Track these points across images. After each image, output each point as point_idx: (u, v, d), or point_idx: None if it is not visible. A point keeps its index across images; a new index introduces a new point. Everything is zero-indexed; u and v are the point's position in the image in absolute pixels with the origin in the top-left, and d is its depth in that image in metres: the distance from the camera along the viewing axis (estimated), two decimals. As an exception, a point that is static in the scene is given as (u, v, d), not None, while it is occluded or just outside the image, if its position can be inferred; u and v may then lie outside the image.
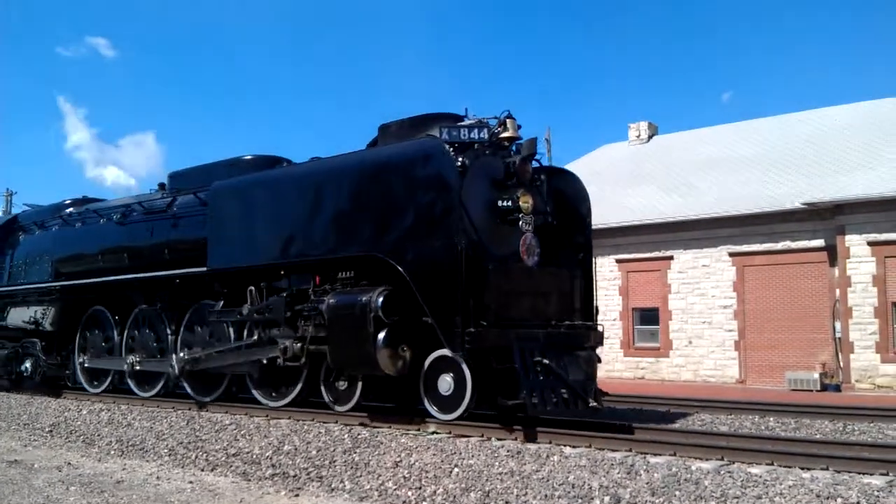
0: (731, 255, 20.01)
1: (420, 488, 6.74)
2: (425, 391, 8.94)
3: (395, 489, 6.85)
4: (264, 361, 10.26)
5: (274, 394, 10.69)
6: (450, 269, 8.23)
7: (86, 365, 13.47)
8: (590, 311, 9.71)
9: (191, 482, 7.76)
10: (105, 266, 12.97)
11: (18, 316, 14.94)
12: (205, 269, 10.93)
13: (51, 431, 11.18)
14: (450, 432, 8.49)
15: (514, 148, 9.40)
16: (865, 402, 13.75)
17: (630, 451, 7.16)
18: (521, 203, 8.99)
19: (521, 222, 9.04)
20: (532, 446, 7.46)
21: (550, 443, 7.67)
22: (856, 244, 18.08)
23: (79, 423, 11.36)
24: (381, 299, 8.75)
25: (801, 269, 19.15)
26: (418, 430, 8.72)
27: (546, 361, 8.20)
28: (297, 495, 7.10)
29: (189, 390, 11.71)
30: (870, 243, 17.94)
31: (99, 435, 10.47)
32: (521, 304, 8.90)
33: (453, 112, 9.63)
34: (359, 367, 9.10)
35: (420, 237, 8.52)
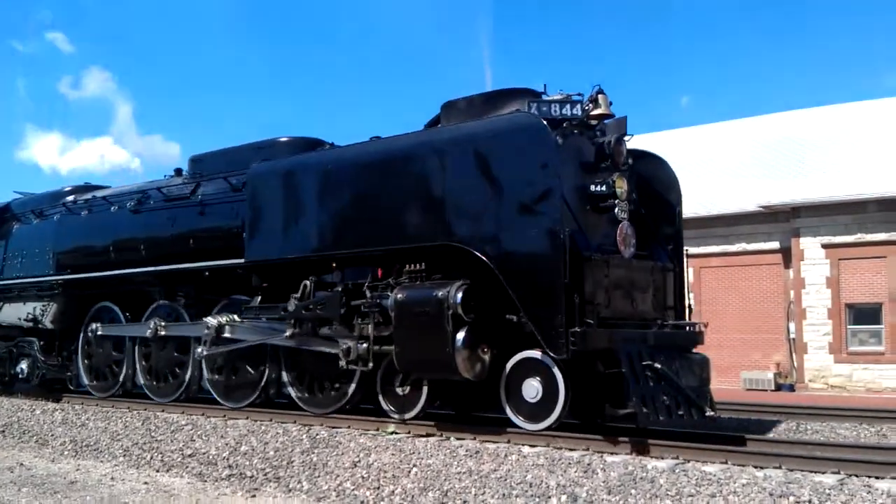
0: (688, 256, 19.27)
1: (378, 488, 6.71)
2: (507, 398, 7.97)
3: (353, 489, 6.80)
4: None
5: (307, 396, 9.64)
6: (550, 260, 7.27)
7: (98, 333, 12.14)
8: (682, 309, 8.83)
9: (146, 483, 7.67)
10: (117, 258, 11.77)
11: (13, 313, 13.63)
12: (242, 260, 9.82)
13: (3, 432, 10.87)
14: (409, 432, 8.38)
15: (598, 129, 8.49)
16: (818, 401, 13.91)
17: (587, 449, 7.17)
18: (616, 188, 8.04)
19: (616, 209, 8.09)
20: (490, 446, 7.39)
21: (509, 442, 7.60)
22: (810, 247, 18.64)
23: (32, 423, 11.10)
24: (459, 294, 7.77)
25: (757, 271, 19.70)
26: (377, 430, 8.57)
27: (658, 366, 7.26)
28: (253, 496, 7.03)
29: (216, 395, 10.60)
30: (824, 246, 18.52)
31: (52, 435, 10.30)
32: (621, 301, 7.97)
33: (530, 88, 8.67)
34: (432, 370, 8.10)
35: (512, 224, 7.54)
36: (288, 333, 9.27)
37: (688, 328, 8.53)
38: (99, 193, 12.98)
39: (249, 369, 10.27)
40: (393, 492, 6.60)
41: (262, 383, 10.15)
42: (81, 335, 12.76)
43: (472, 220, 7.82)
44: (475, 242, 7.76)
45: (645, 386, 7.20)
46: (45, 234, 13.18)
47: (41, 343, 13.22)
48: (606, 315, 7.66)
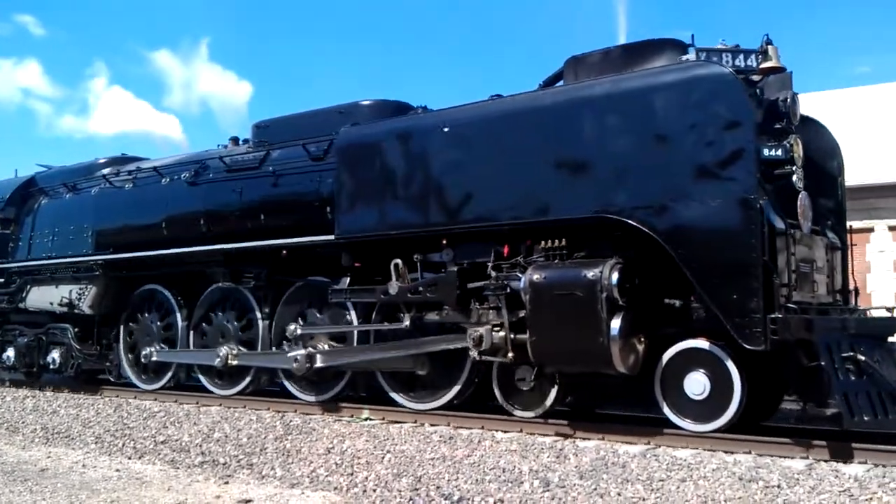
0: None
1: (352, 474, 6.69)
2: (663, 394, 6.91)
3: (326, 475, 6.78)
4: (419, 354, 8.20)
5: (412, 393, 8.55)
6: (741, 234, 6.19)
7: (154, 358, 10.86)
8: (848, 292, 7.81)
9: (118, 470, 7.62)
10: (170, 235, 10.53)
11: (43, 297, 12.33)
12: (332, 237, 8.66)
13: (-28, 420, 10.49)
14: (383, 418, 8.32)
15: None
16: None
17: (560, 435, 7.16)
18: (793, 153, 6.96)
19: (794, 177, 7.02)
20: (464, 432, 7.43)
21: (482, 428, 7.58)
22: None
23: (2, 410, 10.85)
24: (615, 275, 6.68)
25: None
26: (352, 416, 8.55)
27: (861, 358, 6.21)
28: (226, 482, 6.98)
29: (293, 389, 9.47)
30: None
31: (23, 422, 10.15)
32: (806, 282, 6.91)
33: (677, 39, 7.58)
34: (578, 362, 7.00)
35: (688, 192, 6.44)
36: (406, 323, 8.12)
37: (881, 314, 7.50)
38: (144, 164, 11.71)
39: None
40: (367, 478, 6.56)
41: (348, 376, 9.04)
42: (123, 322, 11.54)
43: (632, 188, 6.71)
44: (637, 214, 6.66)
45: (847, 380, 6.16)
46: (82, 209, 11.89)
47: (76, 330, 11.96)
48: (798, 298, 6.61)
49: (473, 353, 7.52)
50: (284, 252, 9.36)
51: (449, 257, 8.01)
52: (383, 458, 6.96)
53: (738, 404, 6.55)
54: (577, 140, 7.02)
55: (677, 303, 6.85)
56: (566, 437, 7.14)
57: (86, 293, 11.58)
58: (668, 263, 6.67)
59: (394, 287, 8.14)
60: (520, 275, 7.31)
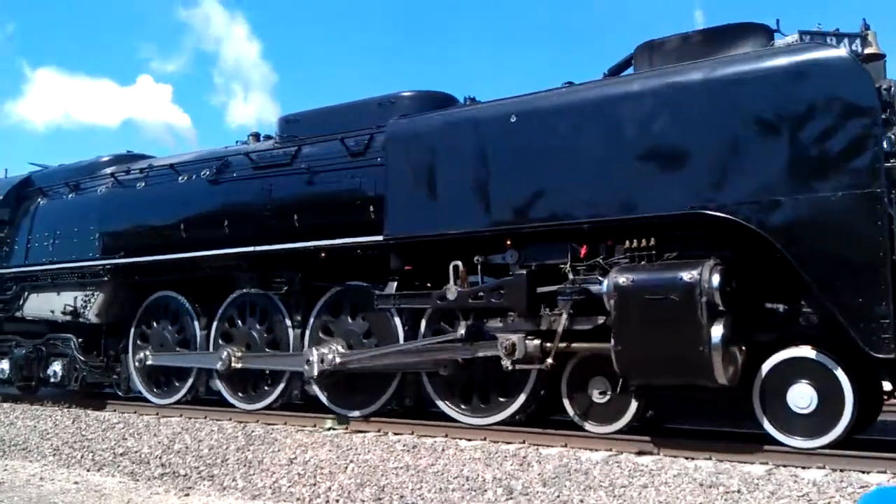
0: None
1: (315, 485, 6.64)
2: (763, 408, 6.34)
3: (288, 486, 6.73)
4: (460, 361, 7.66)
5: (465, 406, 7.90)
6: (867, 230, 5.64)
7: (149, 362, 10.18)
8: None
9: (76, 483, 7.53)
10: (189, 238, 9.77)
11: (43, 304, 11.46)
12: (380, 237, 7.98)
13: (-74, 433, 10.19)
14: (346, 428, 8.23)
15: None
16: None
17: (523, 442, 7.09)
18: (898, 146, 6.43)
19: (899, 171, 6.49)
20: (428, 440, 7.40)
21: (446, 436, 7.53)
22: None
23: None
24: (717, 278, 6.09)
25: None
26: (314, 426, 8.42)
27: None
28: (187, 495, 6.92)
29: (328, 402, 8.76)
30: None
31: None
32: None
33: (760, 23, 7.05)
34: (673, 374, 6.38)
35: (804, 185, 5.88)
36: (462, 332, 7.47)
37: None
38: (157, 162, 10.92)
39: (373, 378, 8.48)
40: (329, 488, 6.51)
41: (393, 390, 8.36)
42: (133, 331, 10.73)
43: (737, 182, 6.13)
44: (743, 210, 6.09)
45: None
46: (87, 210, 11.05)
47: (80, 340, 11.11)
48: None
49: (506, 363, 6.95)
50: (323, 255, 8.66)
51: (513, 259, 7.38)
52: (346, 467, 6.89)
53: (850, 417, 6.00)
54: (671, 130, 6.44)
55: (781, 307, 6.29)
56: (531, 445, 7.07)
57: (92, 300, 10.76)
58: (773, 264, 6.13)
59: (452, 291, 7.49)
60: (601, 278, 6.71)
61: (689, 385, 6.36)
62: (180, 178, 10.06)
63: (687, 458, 6.25)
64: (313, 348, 8.43)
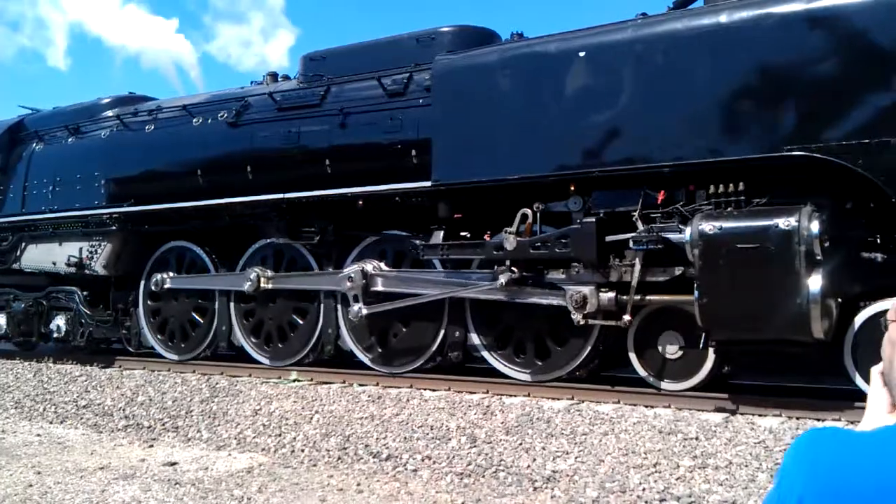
0: None
1: (280, 435, 6.67)
2: (855, 363, 5.99)
3: (253, 437, 6.77)
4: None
5: (518, 360, 7.48)
6: None
7: (166, 286, 9.59)
8: None
9: (38, 435, 7.49)
10: (207, 184, 9.13)
11: (43, 256, 10.76)
12: (427, 183, 7.43)
13: None
14: (311, 379, 8.19)
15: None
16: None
17: (487, 392, 7.17)
18: None
19: None
20: (392, 391, 7.43)
21: (411, 387, 7.59)
22: None
23: None
24: (816, 225, 5.67)
25: None
26: (279, 378, 8.36)
27: None
28: (151, 446, 6.92)
29: (364, 358, 8.29)
30: None
31: None
32: None
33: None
34: (764, 328, 5.95)
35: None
36: (503, 281, 6.99)
37: None
38: (166, 103, 10.19)
39: (415, 329, 8.00)
40: (294, 438, 6.54)
41: (435, 346, 7.89)
42: (143, 283, 10.12)
43: (843, 122, 5.67)
44: (849, 152, 5.63)
45: None
46: (90, 155, 10.30)
47: (84, 294, 10.46)
48: None
49: (577, 317, 6.50)
50: (360, 203, 8.09)
51: (577, 206, 6.90)
52: (311, 418, 6.88)
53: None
54: (766, 65, 5.93)
55: (878, 257, 5.90)
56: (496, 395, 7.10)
57: (99, 251, 10.09)
58: (876, 211, 5.71)
59: (510, 241, 6.98)
60: (681, 226, 6.25)
61: (780, 340, 5.97)
62: (195, 121, 9.36)
63: (646, 407, 6.36)
64: (354, 264, 7.92)
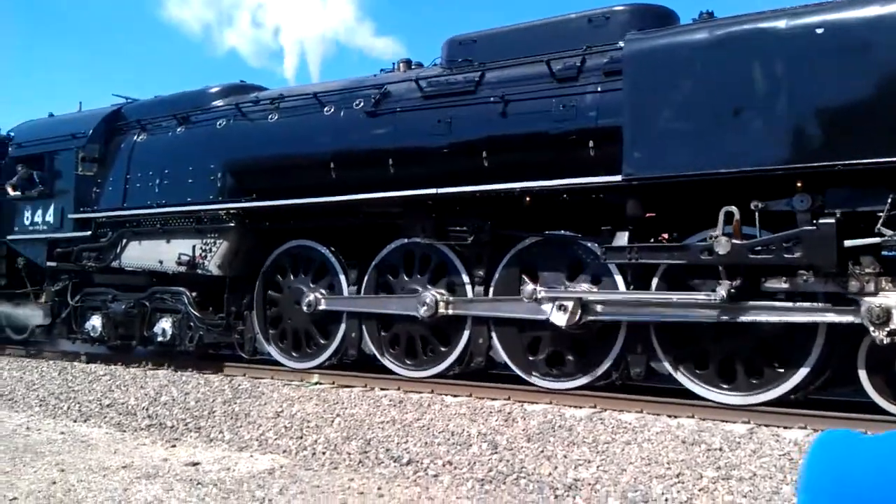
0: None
1: (301, 437, 6.69)
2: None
3: (275, 439, 6.79)
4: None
5: (722, 382, 6.61)
6: None
7: (321, 307, 8.68)
8: None
9: (62, 433, 7.59)
10: (339, 178, 8.38)
11: (147, 253, 10.06)
12: (618, 177, 6.59)
13: None
14: (333, 382, 8.22)
15: None
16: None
17: (509, 398, 7.13)
18: None
19: None
20: (414, 396, 7.40)
21: (432, 392, 7.52)
22: None
23: None
24: None
25: None
26: (301, 380, 8.39)
27: None
28: (173, 446, 6.98)
29: (516, 369, 7.49)
30: None
31: None
32: None
33: None
34: None
35: None
36: (722, 294, 6.12)
37: None
38: (290, 90, 9.46)
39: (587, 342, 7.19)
40: (316, 441, 6.55)
41: (611, 361, 7.05)
42: (258, 285, 9.38)
43: None
44: None
45: None
46: (203, 146, 9.58)
47: (194, 295, 9.74)
48: None
49: (879, 335, 5.54)
50: (528, 200, 7.28)
51: (804, 205, 6.00)
52: (333, 421, 6.90)
53: None
54: None
55: None
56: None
57: (213, 249, 9.36)
58: None
59: (724, 244, 6.12)
60: (945, 232, 5.36)
61: None
62: (325, 110, 8.61)
63: (669, 416, 6.25)
64: (553, 292, 7.00)
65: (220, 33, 28.76)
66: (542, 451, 5.74)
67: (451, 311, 7.75)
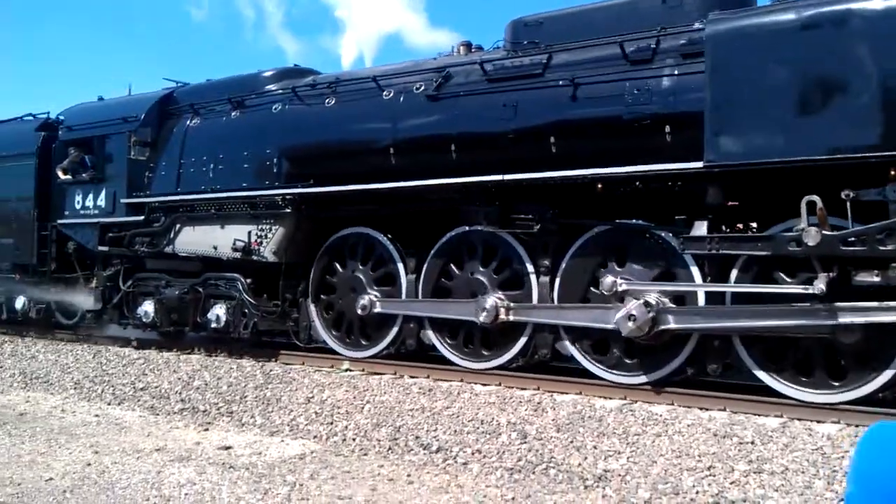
0: None
1: (332, 423, 6.72)
2: None
3: (306, 424, 6.82)
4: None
5: (805, 380, 6.31)
6: None
7: (376, 310, 8.50)
8: None
9: (97, 415, 7.65)
10: (399, 164, 8.18)
11: (201, 239, 9.96)
12: (699, 164, 6.32)
13: (-49, 364, 10.45)
14: (363, 370, 8.26)
15: None
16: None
17: (538, 389, 7.09)
18: None
19: None
20: (443, 384, 7.39)
21: (462, 381, 7.51)
22: None
23: None
24: None
25: None
26: (332, 367, 8.47)
27: None
28: (206, 429, 7.02)
29: (588, 362, 7.26)
30: None
31: (1, 367, 10.26)
32: None
33: None
34: None
35: None
36: (821, 286, 5.83)
37: None
38: (346, 74, 9.28)
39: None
40: (346, 427, 6.60)
41: (691, 348, 6.79)
42: (313, 272, 9.25)
43: None
44: None
45: None
46: (259, 131, 9.41)
47: (248, 281, 9.63)
48: None
49: None
50: (600, 186, 7.04)
51: (896, 194, 5.69)
52: (363, 408, 6.94)
53: None
54: None
55: None
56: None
57: (269, 235, 9.24)
58: None
59: (813, 235, 5.84)
60: None
61: None
62: (385, 94, 8.41)
63: (701, 409, 6.19)
64: (630, 299, 6.75)
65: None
66: (572, 442, 5.71)
67: (511, 318, 7.54)
